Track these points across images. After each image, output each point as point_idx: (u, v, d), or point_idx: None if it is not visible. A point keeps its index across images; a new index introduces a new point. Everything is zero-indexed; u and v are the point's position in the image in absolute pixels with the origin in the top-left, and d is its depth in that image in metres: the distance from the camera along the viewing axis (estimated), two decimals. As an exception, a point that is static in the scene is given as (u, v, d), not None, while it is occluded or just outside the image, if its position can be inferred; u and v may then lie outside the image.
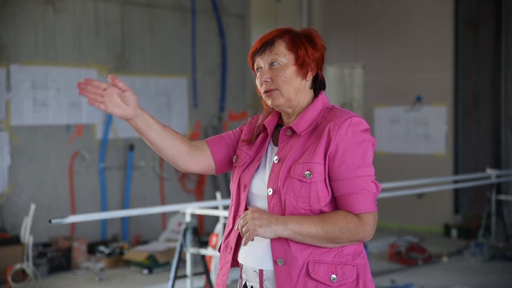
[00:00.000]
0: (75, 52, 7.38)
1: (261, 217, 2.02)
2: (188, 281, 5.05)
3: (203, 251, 5.01)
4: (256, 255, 2.11)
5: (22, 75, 6.96)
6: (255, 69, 2.19)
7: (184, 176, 8.29)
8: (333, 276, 2.02)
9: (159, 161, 8.08)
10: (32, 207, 6.07)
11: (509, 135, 8.84)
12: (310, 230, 2.00)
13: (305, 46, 2.13)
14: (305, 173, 2.03)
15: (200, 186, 8.48)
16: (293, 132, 2.13)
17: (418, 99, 9.15)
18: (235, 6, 8.82)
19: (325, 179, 2.05)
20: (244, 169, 2.19)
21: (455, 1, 8.96)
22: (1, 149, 6.83)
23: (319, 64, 2.17)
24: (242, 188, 2.17)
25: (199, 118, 8.46)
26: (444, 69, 9.00)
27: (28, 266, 6.05)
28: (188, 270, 5.04)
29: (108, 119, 7.58)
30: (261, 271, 2.10)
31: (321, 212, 2.05)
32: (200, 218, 8.29)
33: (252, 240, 2.04)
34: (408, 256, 7.16)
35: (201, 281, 5.78)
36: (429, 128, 9.12)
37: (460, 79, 9.05)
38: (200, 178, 8.48)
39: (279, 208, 2.06)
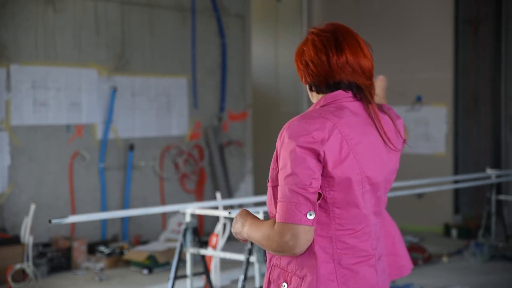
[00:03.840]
0: (75, 52, 7.38)
1: (237, 221, 2.11)
2: (188, 281, 5.05)
3: (203, 251, 5.01)
4: None
5: (22, 75, 6.96)
6: None
7: (184, 176, 8.29)
8: (284, 284, 2.00)
9: (159, 161, 8.08)
10: (32, 207, 6.07)
11: (509, 135, 8.84)
12: (253, 235, 2.02)
13: (301, 47, 2.08)
14: (268, 178, 2.06)
15: (200, 186, 8.48)
16: None
17: (418, 99, 9.15)
18: (235, 6, 8.82)
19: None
20: None
21: (455, 1, 8.96)
22: (1, 149, 6.83)
23: (319, 70, 2.04)
24: None
25: (199, 118, 8.46)
26: (444, 69, 8.99)
27: (28, 266, 6.05)
28: (188, 270, 5.04)
29: (108, 119, 7.58)
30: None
31: None
32: (200, 218, 8.28)
33: (246, 241, 2.13)
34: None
35: (201, 281, 5.78)
36: (429, 128, 9.12)
37: (460, 79, 9.04)
38: (200, 178, 8.48)
39: None
